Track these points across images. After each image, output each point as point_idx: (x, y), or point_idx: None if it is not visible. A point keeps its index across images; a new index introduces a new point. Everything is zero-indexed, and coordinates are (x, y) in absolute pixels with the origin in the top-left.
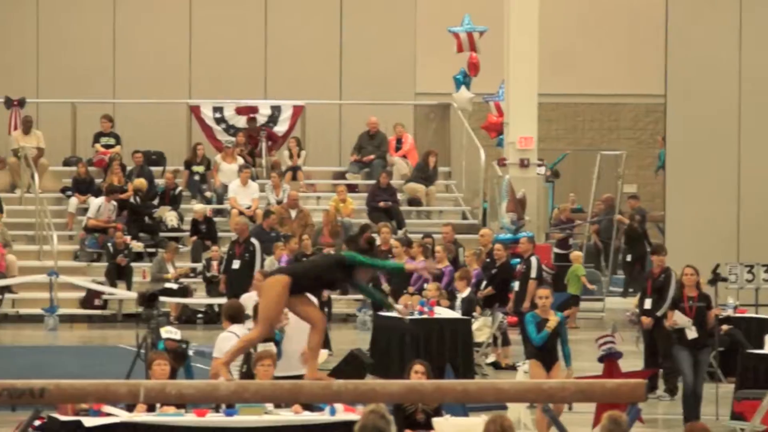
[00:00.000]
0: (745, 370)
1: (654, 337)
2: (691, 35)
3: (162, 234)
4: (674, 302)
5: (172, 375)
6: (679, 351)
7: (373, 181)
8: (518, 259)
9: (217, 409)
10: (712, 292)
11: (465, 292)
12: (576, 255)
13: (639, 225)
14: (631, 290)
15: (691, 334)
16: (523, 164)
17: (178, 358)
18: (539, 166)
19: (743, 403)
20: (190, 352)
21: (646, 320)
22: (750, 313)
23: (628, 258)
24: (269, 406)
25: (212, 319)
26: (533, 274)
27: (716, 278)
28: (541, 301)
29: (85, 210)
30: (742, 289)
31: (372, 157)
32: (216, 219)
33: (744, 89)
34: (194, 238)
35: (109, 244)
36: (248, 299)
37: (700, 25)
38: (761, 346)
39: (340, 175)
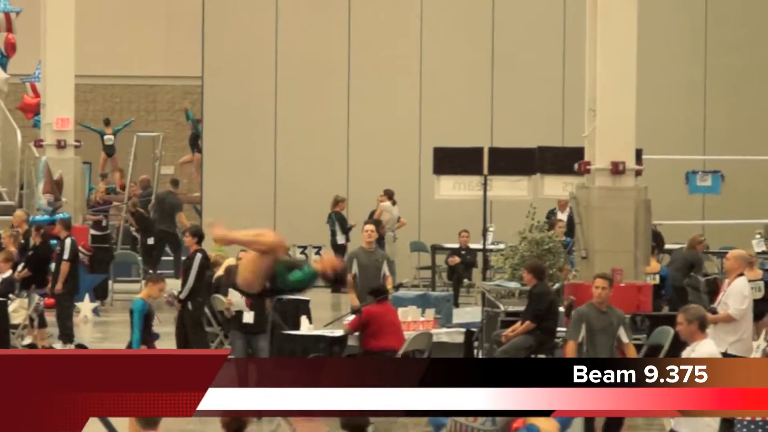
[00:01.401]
0: (281, 352)
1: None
2: (228, 17)
3: None
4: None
5: None
6: (234, 335)
7: None
8: (56, 241)
9: None
10: None
11: (6, 273)
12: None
13: (146, 209)
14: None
15: (247, 318)
16: (60, 145)
17: None
18: (76, 147)
19: None
20: None
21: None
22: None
23: (150, 241)
24: None
25: None
26: (66, 255)
27: None
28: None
29: None
30: None
31: None
32: None
33: (280, 71)
34: None
35: None
36: None
37: (237, 7)
38: (297, 327)
39: None
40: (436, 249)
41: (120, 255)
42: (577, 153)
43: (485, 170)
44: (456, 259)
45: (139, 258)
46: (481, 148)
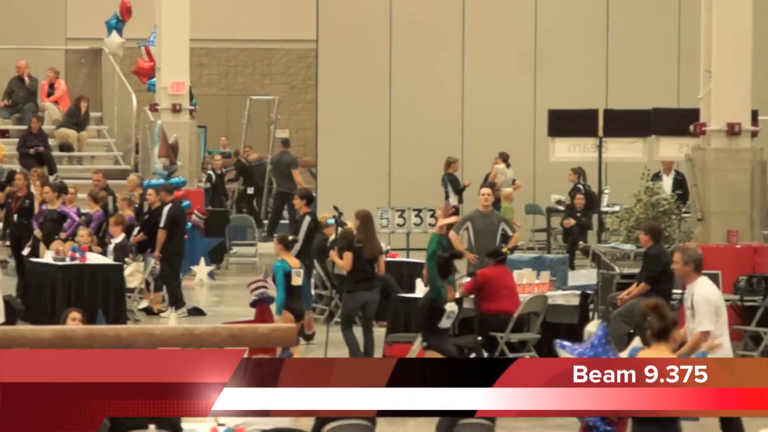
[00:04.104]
0: (396, 315)
1: None
2: None
3: None
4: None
5: None
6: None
7: (24, 127)
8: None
9: None
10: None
11: (119, 238)
12: (506, 192)
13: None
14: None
15: None
16: (176, 109)
17: None
18: (191, 111)
19: (394, 347)
20: None
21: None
22: (401, 257)
23: (250, 191)
24: None
25: None
26: (162, 223)
27: None
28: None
29: None
30: (394, 234)
31: None
32: None
33: (395, 35)
34: None
35: None
36: None
37: None
38: (413, 290)
39: None
40: (551, 211)
41: (235, 218)
42: (693, 114)
43: (600, 132)
44: (571, 222)
45: (254, 222)
46: (596, 110)
